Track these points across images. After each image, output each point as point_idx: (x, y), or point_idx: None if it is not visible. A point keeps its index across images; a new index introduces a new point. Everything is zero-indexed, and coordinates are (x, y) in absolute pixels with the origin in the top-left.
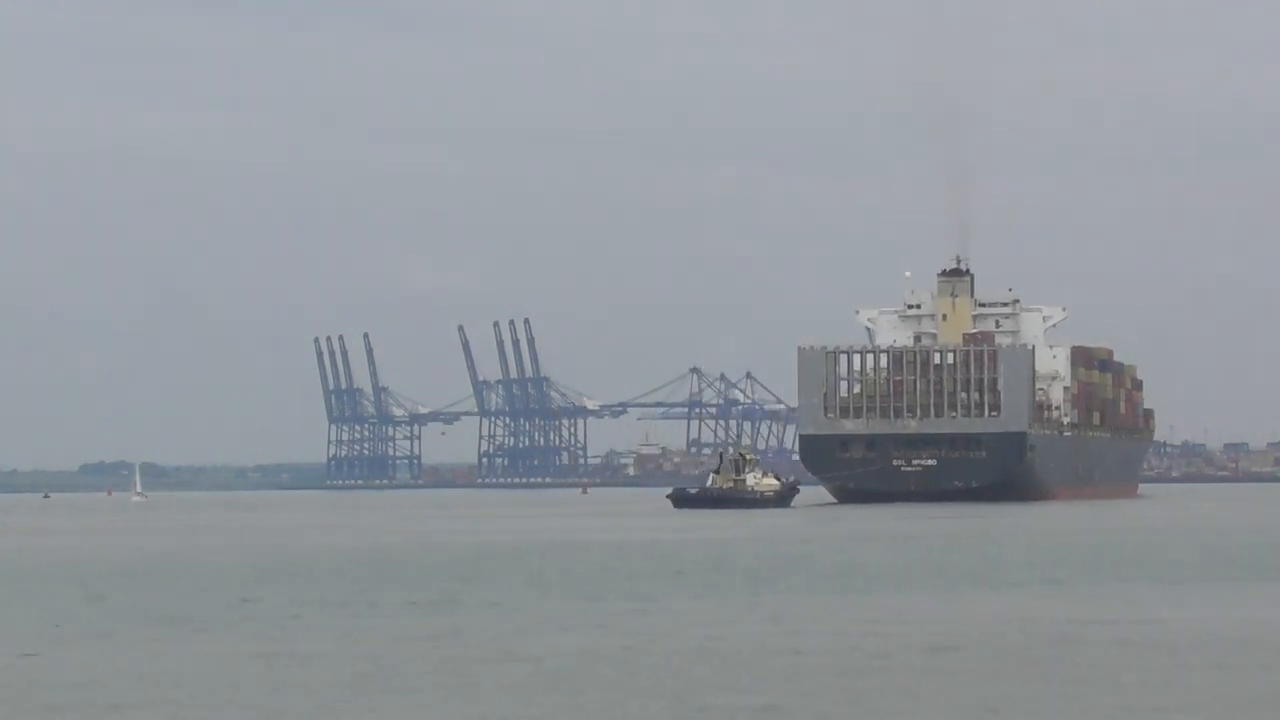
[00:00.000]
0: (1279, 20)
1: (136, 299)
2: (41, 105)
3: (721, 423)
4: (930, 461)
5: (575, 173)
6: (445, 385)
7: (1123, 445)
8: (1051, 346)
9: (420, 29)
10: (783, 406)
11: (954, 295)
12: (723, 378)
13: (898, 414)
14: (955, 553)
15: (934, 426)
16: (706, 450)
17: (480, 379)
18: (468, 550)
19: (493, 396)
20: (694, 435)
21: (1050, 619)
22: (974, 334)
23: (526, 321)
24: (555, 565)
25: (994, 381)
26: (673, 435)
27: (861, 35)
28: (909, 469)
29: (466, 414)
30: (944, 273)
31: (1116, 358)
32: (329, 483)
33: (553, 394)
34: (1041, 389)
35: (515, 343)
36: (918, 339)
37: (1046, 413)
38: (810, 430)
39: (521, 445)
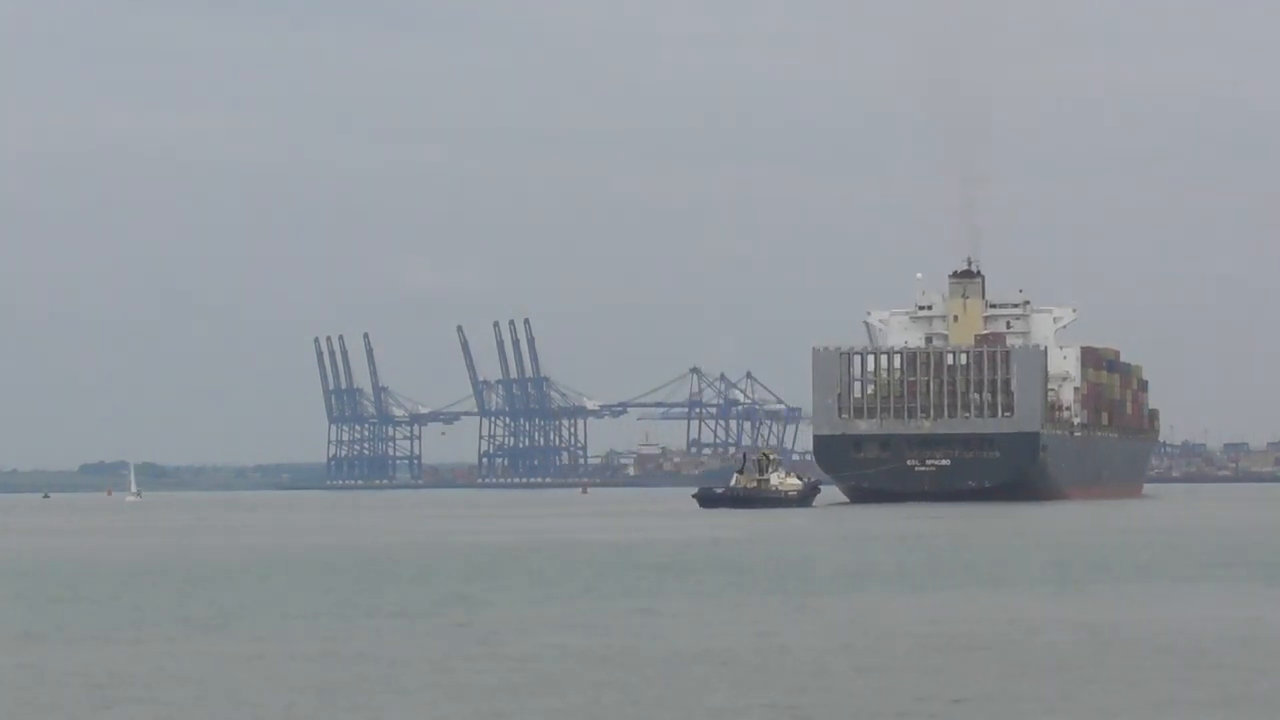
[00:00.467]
0: (1279, 20)
1: (136, 299)
2: (41, 105)
3: (721, 423)
4: (944, 461)
5: (575, 173)
6: (445, 385)
7: (1130, 445)
8: (1062, 347)
9: (420, 29)
10: (783, 406)
11: (965, 297)
12: (723, 378)
13: (911, 414)
14: (1016, 552)
15: (948, 427)
16: (706, 450)
17: (480, 379)
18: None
19: (493, 396)
20: (694, 435)
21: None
22: (986, 335)
23: (526, 321)
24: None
25: (1007, 382)
26: (673, 435)
27: (862, 35)
28: (923, 469)
29: (466, 414)
30: (955, 274)
31: (1122, 358)
32: (329, 483)
33: (553, 394)
34: (1053, 389)
35: (515, 343)
36: (929, 340)
37: (1057, 413)
38: (825, 431)
39: (521, 445)
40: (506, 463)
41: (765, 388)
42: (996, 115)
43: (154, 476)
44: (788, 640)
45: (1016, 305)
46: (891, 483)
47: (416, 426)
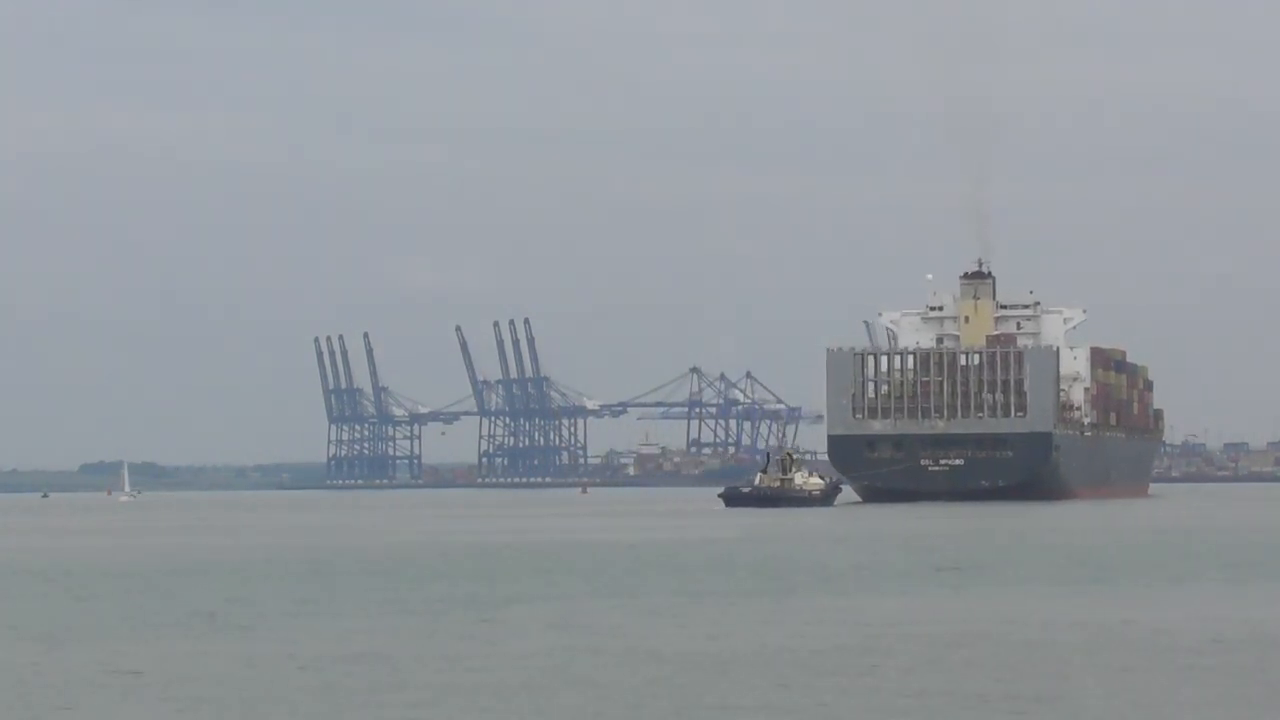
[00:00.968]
0: (1279, 20)
1: (136, 299)
2: (41, 105)
3: (721, 423)
4: (958, 461)
5: (575, 173)
6: (445, 385)
7: (1136, 445)
8: (1072, 348)
9: (420, 29)
10: (782, 406)
11: (976, 298)
12: (723, 378)
13: (925, 414)
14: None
15: (961, 427)
16: (706, 450)
17: (480, 379)
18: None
19: (493, 396)
20: (694, 435)
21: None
22: (997, 336)
23: (526, 321)
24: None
25: (1020, 383)
26: (673, 435)
27: (862, 35)
28: (936, 469)
29: (466, 414)
30: (966, 275)
31: (1128, 359)
32: (329, 483)
33: (553, 394)
34: (1063, 390)
35: (515, 343)
36: (940, 340)
37: (1068, 413)
38: (839, 431)
39: (521, 445)
40: (506, 463)
41: (765, 388)
42: (997, 115)
43: (154, 476)
44: (813, 641)
45: (1027, 306)
46: (905, 482)
47: (416, 426)
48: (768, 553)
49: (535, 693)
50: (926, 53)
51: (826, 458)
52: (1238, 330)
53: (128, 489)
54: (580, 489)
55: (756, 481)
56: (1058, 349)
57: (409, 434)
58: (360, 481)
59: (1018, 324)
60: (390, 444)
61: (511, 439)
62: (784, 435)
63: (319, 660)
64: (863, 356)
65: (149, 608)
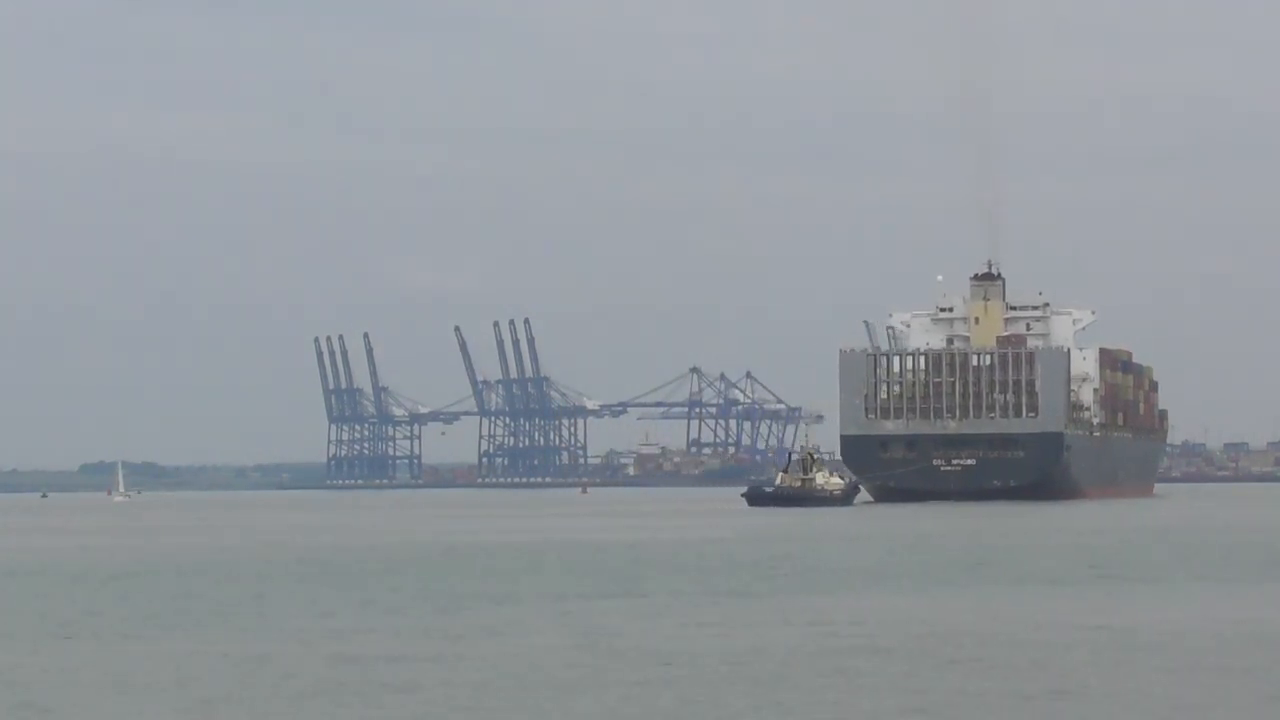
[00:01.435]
0: (1279, 20)
1: (136, 299)
2: (41, 105)
3: (721, 423)
4: (970, 461)
5: (575, 173)
6: (445, 385)
7: (1142, 445)
8: (1081, 349)
9: (420, 29)
10: (782, 406)
11: (986, 299)
12: (723, 378)
13: (937, 415)
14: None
15: (973, 427)
16: (706, 450)
17: (480, 379)
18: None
19: (493, 396)
20: (694, 435)
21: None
22: (1008, 336)
23: (526, 321)
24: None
25: (1031, 383)
26: (673, 435)
27: (862, 35)
28: (948, 469)
29: (466, 414)
30: (976, 276)
31: (1133, 360)
32: (329, 483)
33: (553, 394)
34: (1073, 390)
35: (515, 343)
36: (950, 341)
37: (1078, 414)
38: (852, 431)
39: (521, 445)
40: (506, 462)
41: (765, 388)
42: (997, 115)
43: (154, 476)
44: (833, 641)
45: (1036, 307)
46: (918, 482)
47: (416, 426)
48: (804, 550)
49: (536, 693)
50: (926, 53)
51: (837, 457)
52: (1238, 330)
53: (122, 489)
54: (580, 489)
55: (778, 481)
56: (1068, 350)
57: (409, 434)
58: (360, 481)
59: (1027, 325)
60: (390, 444)
61: (511, 439)
62: (784, 435)
63: (319, 660)
64: (875, 357)
65: (149, 608)
